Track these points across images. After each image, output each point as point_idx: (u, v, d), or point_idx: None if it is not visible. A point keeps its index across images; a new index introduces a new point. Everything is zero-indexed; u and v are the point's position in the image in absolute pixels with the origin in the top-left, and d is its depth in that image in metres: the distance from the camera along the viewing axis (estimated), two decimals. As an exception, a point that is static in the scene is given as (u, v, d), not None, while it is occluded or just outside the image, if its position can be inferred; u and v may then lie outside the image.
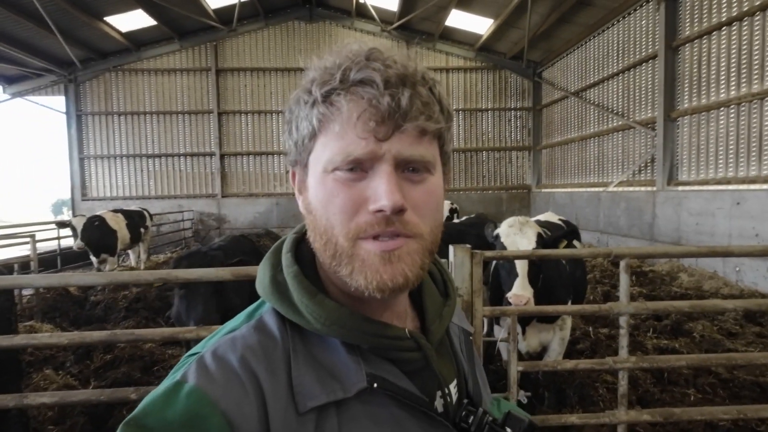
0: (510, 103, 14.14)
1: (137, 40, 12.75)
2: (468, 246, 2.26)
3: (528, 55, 12.81)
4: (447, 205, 8.74)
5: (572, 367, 2.31)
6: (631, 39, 9.34)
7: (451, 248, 2.26)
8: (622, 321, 2.28)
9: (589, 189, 10.93)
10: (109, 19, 11.18)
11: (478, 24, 12.21)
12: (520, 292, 2.56)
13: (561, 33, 11.45)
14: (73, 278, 2.42)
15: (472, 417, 0.63)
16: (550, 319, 3.01)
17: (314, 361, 0.56)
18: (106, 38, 11.90)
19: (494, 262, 3.18)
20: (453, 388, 0.66)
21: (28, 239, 6.19)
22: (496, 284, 3.05)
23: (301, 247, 0.65)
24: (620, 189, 9.59)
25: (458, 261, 2.22)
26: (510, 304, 2.56)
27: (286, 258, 0.63)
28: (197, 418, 0.48)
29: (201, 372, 0.52)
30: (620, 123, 9.71)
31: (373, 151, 0.53)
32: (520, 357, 3.25)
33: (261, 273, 0.64)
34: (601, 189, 10.29)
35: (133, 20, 11.61)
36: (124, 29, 11.88)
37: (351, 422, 0.54)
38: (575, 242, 3.94)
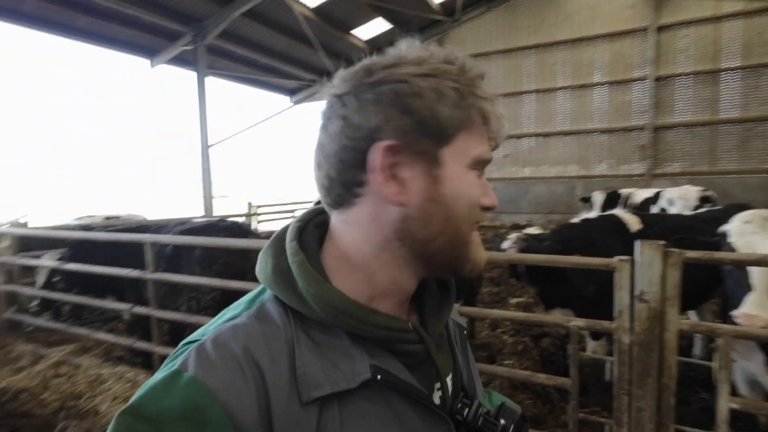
0: (825, 49, 10.04)
1: (376, 45, 14.65)
2: (661, 242, 1.85)
3: None
4: (695, 191, 6.93)
5: (830, 424, 1.62)
6: None
7: (636, 244, 1.89)
8: None
9: None
10: (354, 31, 13.24)
11: (770, -52, 9.05)
12: (754, 311, 1.91)
13: None
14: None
15: (467, 409, 0.64)
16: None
17: (318, 351, 0.55)
18: (352, 48, 14.12)
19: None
20: (449, 381, 0.67)
21: (291, 214, 8.14)
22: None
23: (304, 237, 0.64)
24: None
25: (645, 260, 1.85)
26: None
27: (291, 246, 0.61)
28: (196, 409, 0.47)
29: (201, 360, 0.51)
30: None
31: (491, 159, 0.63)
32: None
33: (263, 260, 0.63)
34: None
35: (373, 28, 13.40)
36: (365, 38, 13.86)
37: (353, 413, 0.54)
38: None
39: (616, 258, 1.92)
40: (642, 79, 11.85)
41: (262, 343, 0.54)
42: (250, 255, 3.46)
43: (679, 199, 6.98)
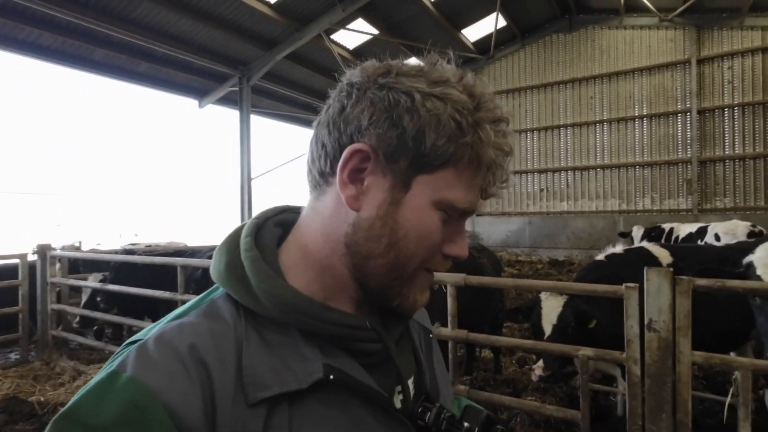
0: None
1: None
2: (669, 269, 1.80)
3: None
4: (743, 227, 6.51)
5: None
6: None
7: (645, 270, 1.84)
8: None
9: None
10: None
11: (817, -23, 8.78)
12: None
13: None
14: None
15: (428, 413, 0.61)
16: None
17: (268, 350, 0.53)
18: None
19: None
20: (411, 384, 0.65)
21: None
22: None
23: (262, 234, 0.62)
24: None
25: (653, 287, 1.80)
26: None
27: (245, 242, 0.59)
28: (135, 411, 0.45)
29: (141, 360, 0.48)
30: None
31: (474, 210, 0.59)
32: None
33: (216, 258, 0.61)
34: None
35: (409, 67, 13.91)
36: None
37: (304, 416, 0.51)
38: None
39: (624, 285, 1.87)
40: (685, 111, 11.49)
41: (210, 341, 0.51)
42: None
43: (726, 234, 6.59)
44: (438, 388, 0.69)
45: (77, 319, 4.77)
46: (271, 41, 10.51)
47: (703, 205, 11.29)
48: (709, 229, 7.13)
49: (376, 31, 11.18)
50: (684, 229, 7.54)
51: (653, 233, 7.88)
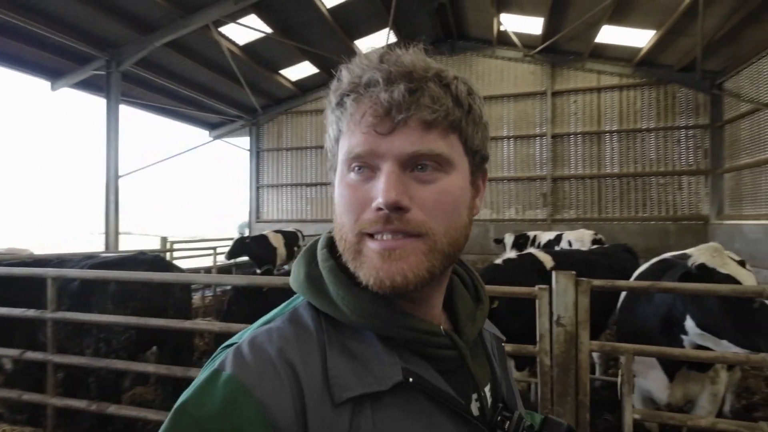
0: (679, 120, 12.25)
1: (303, 87, 14.95)
2: (573, 272, 2.12)
3: (703, 65, 10.98)
4: (589, 235, 7.91)
5: (709, 425, 1.92)
6: None
7: (553, 274, 2.14)
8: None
9: (792, 221, 8.68)
10: (282, 71, 13.42)
11: (635, 37, 11.05)
12: None
13: (749, 35, 9.60)
14: (225, 279, 3.00)
15: (508, 422, 0.61)
16: (701, 368, 2.51)
17: (349, 353, 0.55)
18: (280, 87, 14.27)
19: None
20: (488, 392, 0.65)
21: (211, 251, 7.71)
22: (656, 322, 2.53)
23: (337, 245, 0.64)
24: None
25: (560, 288, 2.09)
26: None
27: (321, 254, 0.63)
28: (233, 406, 0.49)
29: (237, 361, 0.52)
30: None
31: (372, 149, 0.55)
32: (660, 408, 2.78)
33: (296, 269, 0.64)
34: (810, 221, 8.08)
35: (301, 71, 13.70)
36: (293, 78, 14.11)
37: (385, 416, 0.53)
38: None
39: (537, 287, 2.14)
40: (542, 135, 13.42)
41: (296, 345, 0.54)
42: (173, 290, 3.24)
43: (577, 241, 7.88)
44: (514, 397, 0.70)
45: None
46: (150, 25, 9.45)
47: (554, 216, 13.28)
48: (563, 236, 8.44)
49: (269, 30, 10.79)
50: (545, 237, 8.80)
51: (521, 240, 9.05)
